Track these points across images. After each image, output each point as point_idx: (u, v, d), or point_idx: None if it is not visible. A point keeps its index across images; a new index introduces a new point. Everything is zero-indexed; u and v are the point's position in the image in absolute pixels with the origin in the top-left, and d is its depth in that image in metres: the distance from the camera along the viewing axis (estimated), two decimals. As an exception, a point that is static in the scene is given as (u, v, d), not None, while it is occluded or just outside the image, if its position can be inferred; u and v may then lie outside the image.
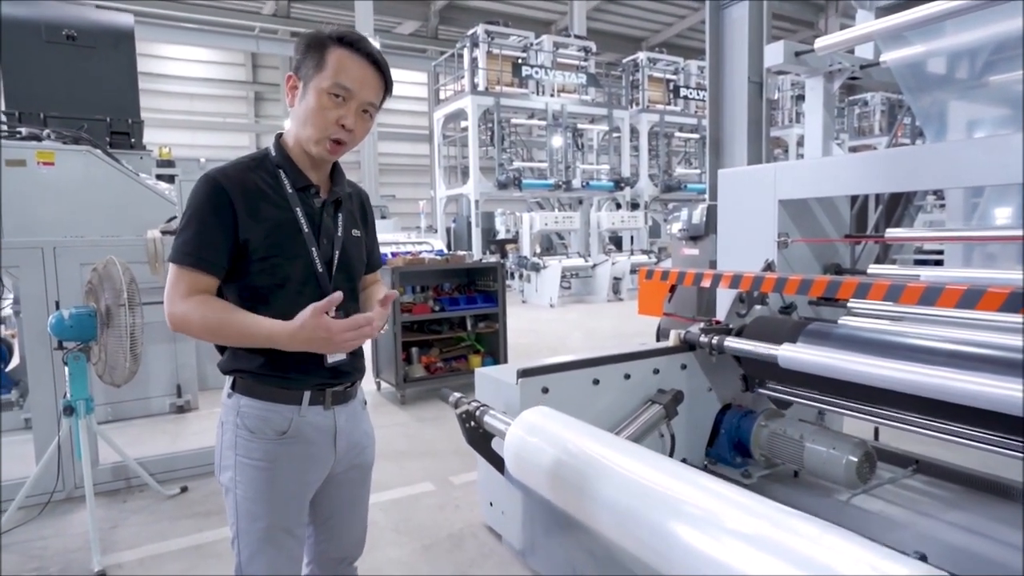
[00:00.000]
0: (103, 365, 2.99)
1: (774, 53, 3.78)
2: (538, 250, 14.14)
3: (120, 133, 6.28)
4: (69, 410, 2.96)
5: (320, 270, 1.43)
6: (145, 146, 6.66)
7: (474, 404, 1.81)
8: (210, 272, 1.34)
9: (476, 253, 12.67)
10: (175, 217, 4.51)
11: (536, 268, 12.56)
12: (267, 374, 1.39)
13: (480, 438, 1.77)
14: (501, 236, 16.92)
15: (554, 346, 7.97)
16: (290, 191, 1.42)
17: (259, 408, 1.39)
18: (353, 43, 1.36)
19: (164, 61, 20.17)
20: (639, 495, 1.22)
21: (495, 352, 5.73)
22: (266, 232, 1.36)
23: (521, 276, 13.01)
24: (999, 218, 2.73)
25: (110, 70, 6.40)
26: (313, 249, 1.42)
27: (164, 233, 3.89)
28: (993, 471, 2.27)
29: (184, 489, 3.47)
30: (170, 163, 6.52)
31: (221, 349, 1.45)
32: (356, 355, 1.50)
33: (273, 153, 1.44)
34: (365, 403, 1.63)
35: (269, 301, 1.37)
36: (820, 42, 3.21)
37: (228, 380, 1.43)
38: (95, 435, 3.26)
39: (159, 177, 6.00)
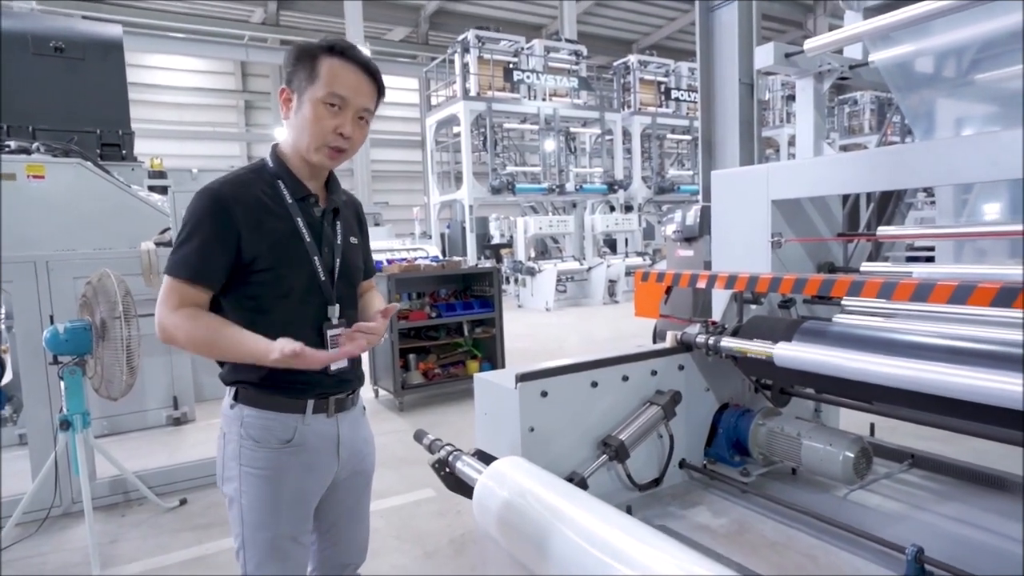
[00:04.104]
0: (99, 379, 2.98)
1: (764, 55, 3.80)
2: (533, 254, 14.16)
3: (111, 145, 6.26)
4: (66, 425, 2.95)
5: (323, 279, 1.44)
6: (136, 157, 6.65)
7: (446, 450, 1.79)
8: (205, 287, 1.35)
9: (471, 258, 12.68)
10: (169, 228, 4.50)
11: (531, 272, 12.58)
12: (270, 384, 1.39)
13: (456, 483, 1.75)
14: (496, 241, 16.93)
15: (551, 350, 7.97)
16: (290, 201, 1.43)
17: (263, 418, 1.40)
18: (344, 51, 1.38)
19: (153, 71, 20.11)
20: (589, 557, 1.26)
21: (492, 357, 5.74)
22: (270, 245, 1.37)
23: (516, 281, 13.03)
24: (988, 214, 2.76)
25: (99, 81, 6.38)
26: (316, 258, 1.43)
27: (158, 244, 3.88)
28: (987, 464, 2.30)
29: (183, 501, 3.45)
30: (162, 174, 6.50)
31: (221, 361, 1.45)
32: (355, 363, 1.52)
33: (270, 164, 1.45)
34: (364, 410, 1.64)
35: (271, 311, 1.38)
36: (809, 43, 3.24)
37: (230, 391, 1.44)
38: (92, 449, 3.24)
39: (151, 188, 5.99)
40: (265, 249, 1.36)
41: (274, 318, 1.37)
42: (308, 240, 1.42)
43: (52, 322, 3.10)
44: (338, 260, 1.48)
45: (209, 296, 1.37)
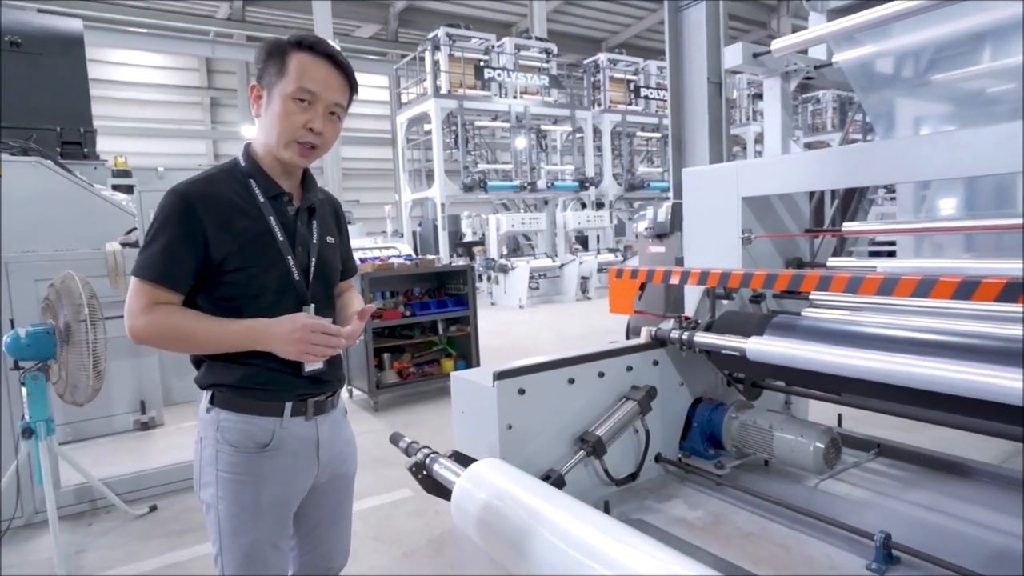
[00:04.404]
0: (63, 384, 2.89)
1: (733, 54, 3.88)
2: (505, 252, 14.17)
3: (72, 143, 6.07)
4: (28, 432, 2.86)
5: (297, 279, 1.42)
6: (99, 156, 6.46)
7: (423, 453, 1.78)
8: (173, 288, 1.32)
9: (443, 256, 12.64)
10: (135, 228, 4.39)
11: (504, 270, 12.59)
12: (247, 387, 1.37)
13: (434, 486, 1.74)
14: (468, 239, 16.89)
15: (525, 347, 8.00)
16: (262, 200, 1.40)
17: (240, 421, 1.38)
18: (313, 46, 1.36)
19: (115, 67, 19.49)
20: (567, 557, 1.27)
21: (467, 355, 5.73)
22: (241, 245, 1.35)
23: (489, 278, 13.02)
24: (944, 209, 2.86)
25: (59, 77, 6.19)
26: (289, 258, 1.41)
27: (124, 245, 3.78)
28: (948, 451, 2.39)
29: (153, 508, 3.38)
30: (126, 173, 6.32)
31: (197, 364, 1.42)
32: (335, 364, 1.50)
33: (242, 163, 1.43)
34: (346, 412, 1.63)
35: (244, 312, 1.36)
36: (776, 44, 3.30)
37: (206, 395, 1.41)
38: (56, 457, 3.15)
39: (116, 187, 5.82)
40: (236, 249, 1.34)
41: (249, 318, 1.35)
42: (281, 239, 1.40)
43: (13, 326, 3.00)
44: (313, 259, 1.46)
45: (178, 298, 1.34)
